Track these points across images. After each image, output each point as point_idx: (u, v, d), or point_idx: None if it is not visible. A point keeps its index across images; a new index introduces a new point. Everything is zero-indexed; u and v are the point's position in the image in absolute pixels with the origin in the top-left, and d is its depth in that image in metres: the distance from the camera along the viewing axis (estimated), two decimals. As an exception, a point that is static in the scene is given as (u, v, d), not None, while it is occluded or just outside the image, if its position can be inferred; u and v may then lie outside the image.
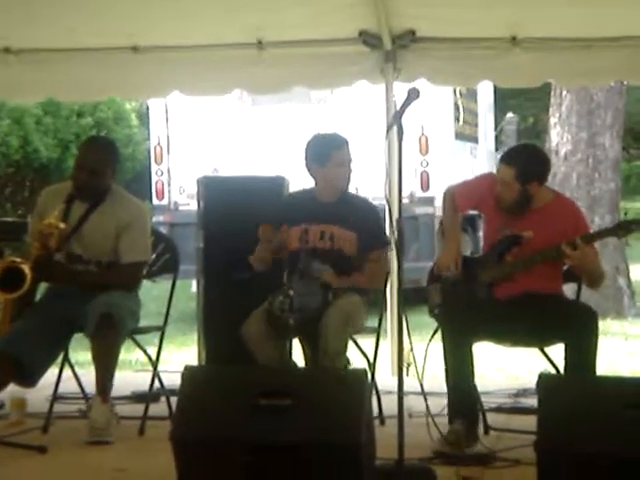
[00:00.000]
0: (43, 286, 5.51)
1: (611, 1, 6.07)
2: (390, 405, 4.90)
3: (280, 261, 5.54)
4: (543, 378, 4.19)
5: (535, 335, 5.05)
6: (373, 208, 5.59)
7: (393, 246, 4.59)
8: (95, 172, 5.35)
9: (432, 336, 5.07)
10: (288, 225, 5.45)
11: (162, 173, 11.42)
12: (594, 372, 4.84)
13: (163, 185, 11.41)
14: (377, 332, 5.58)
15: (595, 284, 5.19)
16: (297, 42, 6.85)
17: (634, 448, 3.86)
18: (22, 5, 6.40)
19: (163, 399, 5.63)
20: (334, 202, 5.47)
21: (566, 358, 4.85)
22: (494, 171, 5.42)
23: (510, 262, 5.11)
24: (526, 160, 5.08)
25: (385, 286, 5.93)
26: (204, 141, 11.09)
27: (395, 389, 4.45)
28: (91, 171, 5.34)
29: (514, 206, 5.09)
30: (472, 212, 5.71)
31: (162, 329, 5.66)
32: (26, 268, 5.19)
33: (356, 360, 5.41)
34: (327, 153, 5.41)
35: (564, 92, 11.16)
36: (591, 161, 11.13)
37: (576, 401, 4.01)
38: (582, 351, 4.82)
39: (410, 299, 5.68)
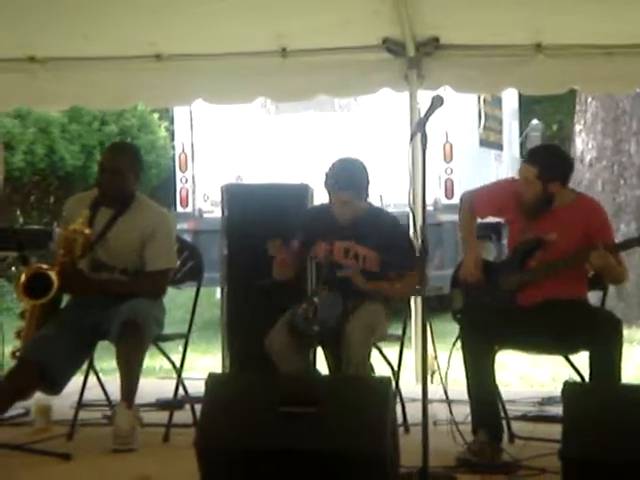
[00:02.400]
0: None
1: (635, 8, 6.04)
2: (415, 413, 4.90)
3: (303, 269, 5.54)
4: (568, 386, 4.17)
5: (559, 343, 5.02)
6: (401, 227, 5.54)
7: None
8: (118, 172, 5.37)
9: (456, 341, 5.04)
10: (308, 238, 5.45)
11: (186, 180, 11.44)
12: (619, 380, 4.80)
13: (187, 192, 11.43)
14: (401, 340, 5.57)
15: (616, 282, 5.25)
16: (321, 50, 6.86)
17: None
18: (46, 14, 6.44)
19: (187, 406, 5.64)
20: (359, 220, 5.45)
21: (591, 366, 4.82)
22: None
23: (533, 268, 5.09)
24: (548, 159, 5.07)
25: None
26: (228, 149, 11.11)
27: (419, 397, 4.45)
28: (113, 171, 5.37)
29: (535, 205, 5.06)
30: (494, 219, 5.68)
31: (186, 336, 5.67)
32: (53, 274, 5.21)
33: (380, 368, 5.40)
34: (330, 188, 5.40)
35: (589, 99, 11.13)
36: (616, 168, 11.09)
37: (601, 409, 4.00)
38: (607, 359, 4.79)
39: (434, 307, 5.68)
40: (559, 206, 5.08)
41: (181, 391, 5.65)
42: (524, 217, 5.14)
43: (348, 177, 5.38)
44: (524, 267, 5.12)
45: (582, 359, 4.99)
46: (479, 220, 5.43)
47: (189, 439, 4.28)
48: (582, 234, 4.98)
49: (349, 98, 10.26)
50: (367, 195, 5.45)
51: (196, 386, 5.35)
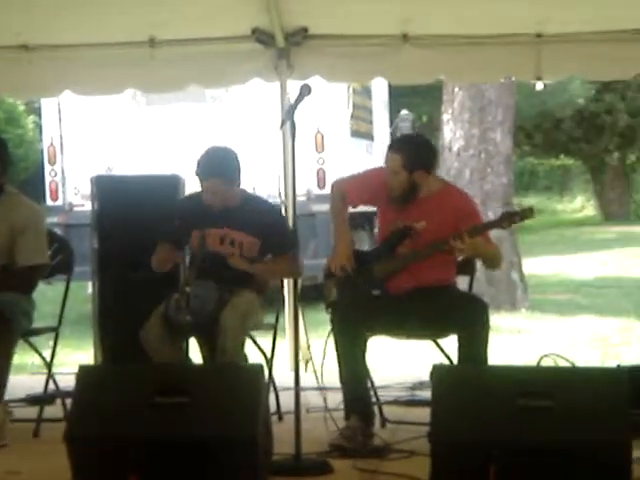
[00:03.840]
0: None
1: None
2: (288, 401, 4.93)
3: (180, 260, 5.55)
4: (436, 369, 4.24)
5: (428, 327, 5.12)
6: (277, 211, 5.57)
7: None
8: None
9: (330, 331, 5.10)
10: (183, 229, 5.45)
11: (56, 174, 11.26)
12: (486, 362, 4.92)
13: (57, 186, 11.25)
14: (274, 328, 5.60)
15: (492, 266, 5.34)
16: (190, 40, 6.82)
17: (526, 436, 3.94)
18: None
19: (58, 401, 5.57)
20: (234, 206, 5.45)
21: (459, 349, 4.94)
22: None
23: (401, 254, 5.17)
24: (412, 148, 5.15)
25: (282, 283, 5.95)
26: (98, 141, 10.97)
27: (292, 385, 4.49)
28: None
29: (402, 195, 5.14)
30: (368, 208, 5.75)
31: (56, 330, 5.60)
32: None
33: (254, 357, 5.42)
34: (199, 176, 5.39)
35: (456, 89, 11.33)
36: (483, 156, 11.32)
37: (468, 391, 4.08)
38: (474, 342, 4.91)
39: (308, 296, 5.72)
40: (427, 195, 5.17)
41: (52, 386, 5.57)
42: (393, 206, 5.21)
43: (216, 164, 5.38)
44: (394, 254, 5.19)
45: (453, 344, 5.09)
46: (352, 209, 5.49)
47: (60, 434, 4.22)
48: (451, 221, 5.07)
49: (220, 89, 10.24)
50: (239, 182, 5.45)
51: (68, 381, 5.27)
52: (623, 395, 4.00)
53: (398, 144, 5.30)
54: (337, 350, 4.99)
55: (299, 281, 5.74)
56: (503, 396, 4.02)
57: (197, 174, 5.39)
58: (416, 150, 5.15)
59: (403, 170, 5.10)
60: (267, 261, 5.45)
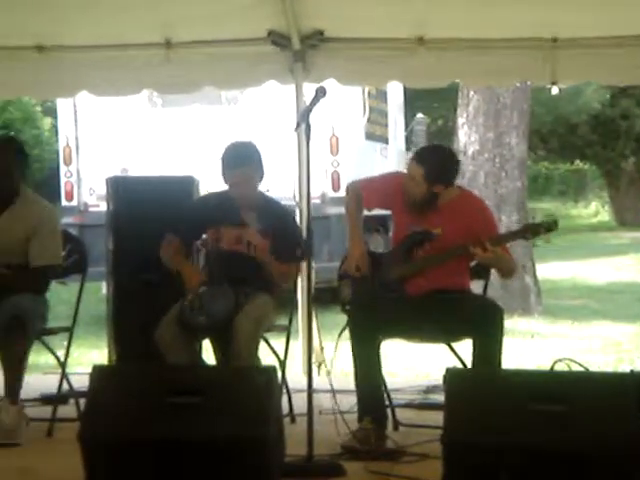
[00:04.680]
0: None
1: (513, 4, 6.18)
2: (301, 403, 4.93)
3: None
4: (449, 373, 4.25)
5: (442, 331, 5.12)
6: (290, 217, 5.57)
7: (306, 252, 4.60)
8: (3, 175, 5.30)
9: (341, 331, 5.11)
10: (196, 228, 5.46)
11: (71, 174, 11.29)
12: (500, 366, 4.91)
13: (72, 186, 11.27)
14: (288, 330, 5.60)
15: (507, 276, 5.34)
16: (206, 42, 6.84)
17: (539, 441, 3.93)
18: None
19: (72, 401, 5.59)
20: (252, 208, 5.46)
21: (473, 353, 4.93)
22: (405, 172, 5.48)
23: (419, 258, 5.17)
24: (436, 162, 5.14)
25: (295, 285, 5.96)
26: (114, 142, 10.99)
27: (306, 387, 4.50)
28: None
29: (420, 204, 5.15)
30: (383, 212, 5.75)
31: (70, 330, 5.62)
32: None
33: (267, 358, 5.43)
34: (224, 170, 5.42)
35: (471, 93, 11.32)
36: (498, 160, 11.31)
37: (481, 395, 4.08)
38: (488, 346, 4.90)
39: (322, 299, 5.73)
40: (443, 203, 5.17)
41: (66, 386, 5.59)
42: (408, 211, 5.22)
43: (245, 154, 5.44)
44: (410, 258, 5.20)
45: (467, 348, 5.09)
46: (367, 212, 5.49)
47: (73, 433, 4.24)
48: (466, 229, 5.08)
49: (235, 91, 10.26)
50: (263, 175, 5.47)
51: (82, 381, 5.28)
52: (636, 400, 3.99)
53: (423, 155, 5.25)
54: (352, 352, 5.00)
55: (313, 283, 5.74)
56: (516, 400, 4.02)
57: (226, 167, 5.39)
58: (440, 164, 5.14)
59: (424, 181, 5.10)
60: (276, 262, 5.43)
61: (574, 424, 3.93)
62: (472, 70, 6.80)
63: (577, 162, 29.84)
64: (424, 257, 5.17)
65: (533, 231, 5.17)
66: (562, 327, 10.14)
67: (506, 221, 10.77)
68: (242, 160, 5.39)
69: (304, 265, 6.02)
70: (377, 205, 5.51)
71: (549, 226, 5.12)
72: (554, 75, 6.68)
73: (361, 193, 5.39)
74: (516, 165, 11.40)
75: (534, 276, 11.42)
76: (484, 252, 4.95)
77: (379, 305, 5.12)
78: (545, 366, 6.03)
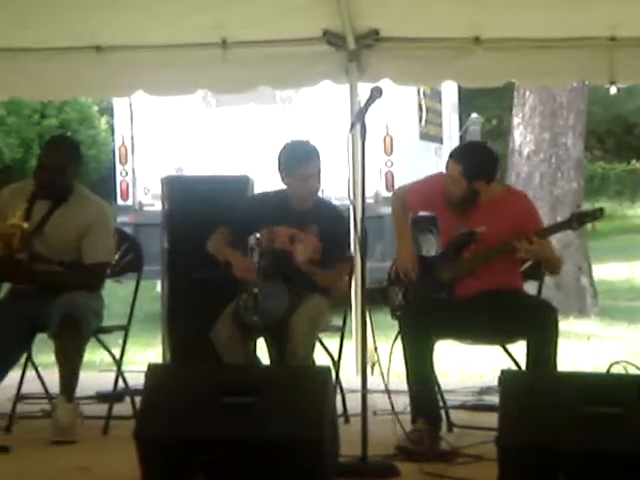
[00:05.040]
0: (5, 287, 5.49)
1: (571, 3, 6.13)
2: (355, 403, 4.93)
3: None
4: (504, 375, 4.22)
5: (495, 332, 5.09)
6: (343, 219, 5.54)
7: (357, 253, 4.59)
8: (57, 172, 5.33)
9: (397, 336, 5.09)
10: (250, 226, 5.47)
11: (127, 173, 11.38)
12: (555, 368, 4.87)
13: (128, 185, 11.36)
14: (342, 331, 5.60)
15: (554, 272, 5.30)
16: (261, 42, 6.86)
17: (593, 443, 3.90)
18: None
19: (127, 399, 5.63)
20: (306, 208, 5.46)
21: (528, 355, 4.89)
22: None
23: (467, 258, 5.14)
24: (473, 158, 5.11)
25: (350, 286, 5.95)
26: (169, 141, 11.07)
27: (360, 387, 4.49)
28: (53, 171, 5.33)
29: (461, 202, 5.12)
30: (425, 213, 5.73)
31: (126, 328, 5.65)
32: (-11, 269, 5.18)
33: (321, 359, 5.43)
34: (291, 167, 5.39)
35: (527, 93, 11.24)
36: (554, 161, 11.21)
37: (536, 397, 4.05)
38: (543, 347, 4.85)
39: (375, 299, 5.71)
40: (487, 200, 5.13)
41: (121, 383, 5.62)
42: (452, 212, 5.19)
43: (310, 150, 5.45)
44: (458, 259, 5.17)
45: (521, 349, 5.05)
46: (419, 213, 5.47)
47: (129, 431, 4.26)
48: (511, 225, 5.04)
49: (290, 90, 10.27)
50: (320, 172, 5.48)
51: (137, 379, 5.32)
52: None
53: (459, 153, 5.25)
54: (405, 354, 4.98)
55: (367, 283, 5.73)
56: (572, 403, 3.98)
57: (293, 162, 5.38)
58: (477, 161, 5.11)
59: (462, 179, 5.07)
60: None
61: (630, 426, 3.89)
62: (529, 70, 6.75)
63: (634, 162, 29.48)
64: (469, 258, 5.14)
65: (579, 220, 5.11)
66: (618, 329, 10.02)
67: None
68: (312, 154, 5.41)
69: (358, 265, 6.04)
70: (420, 208, 5.50)
71: (595, 214, 5.07)
72: (612, 75, 6.61)
73: (405, 197, 5.38)
74: (572, 166, 11.30)
75: (590, 277, 11.31)
76: (530, 244, 4.91)
77: (431, 307, 5.09)
78: (601, 369, 5.97)
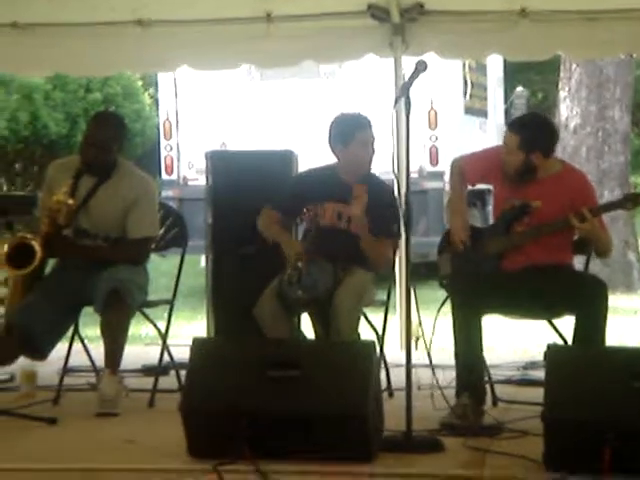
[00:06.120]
0: (52, 260, 5.53)
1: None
2: (399, 378, 4.91)
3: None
4: (551, 349, 4.21)
5: (543, 307, 5.05)
6: (392, 196, 5.52)
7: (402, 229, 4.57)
8: (103, 148, 5.35)
9: (441, 306, 5.07)
10: (299, 202, 5.46)
11: (171, 148, 11.43)
12: (603, 343, 4.82)
13: (172, 160, 11.42)
14: (386, 306, 5.59)
15: (604, 254, 5.23)
16: (305, 16, 6.83)
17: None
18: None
19: (172, 372, 5.66)
20: (356, 182, 5.43)
21: (575, 329, 4.85)
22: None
23: (518, 232, 5.10)
24: (532, 129, 5.06)
25: (394, 260, 5.93)
26: (213, 116, 11.09)
27: (404, 362, 4.48)
28: (99, 147, 5.34)
29: (517, 174, 5.07)
30: (481, 186, 5.69)
31: (171, 302, 5.68)
32: (36, 245, 5.21)
33: (366, 334, 5.42)
34: (351, 133, 5.37)
35: (574, 66, 11.14)
36: (600, 134, 11.12)
37: (583, 372, 4.03)
38: (591, 322, 4.81)
39: (419, 273, 5.70)
40: (545, 176, 5.09)
41: (166, 357, 5.66)
42: (508, 184, 5.15)
43: (363, 117, 5.44)
44: (510, 231, 5.14)
45: (568, 324, 5.01)
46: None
47: (174, 404, 4.30)
48: (567, 204, 4.99)
49: (334, 64, 10.24)
50: None
51: (181, 352, 5.37)
52: None
53: (518, 124, 5.21)
54: (453, 326, 4.95)
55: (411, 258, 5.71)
56: (618, 378, 3.96)
57: (353, 130, 5.37)
58: (535, 132, 5.05)
59: (520, 151, 5.02)
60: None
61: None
62: (576, 42, 6.67)
63: (681, 136, 29.13)
64: (522, 232, 5.10)
65: (634, 201, 5.07)
66: (665, 304, 9.95)
67: (608, 196, 10.56)
68: (369, 121, 5.42)
69: (403, 240, 6.02)
70: (479, 180, 5.46)
71: None
72: (662, 47, 6.53)
73: (464, 167, 5.34)
74: (619, 139, 11.20)
75: (637, 252, 11.22)
76: (582, 222, 4.87)
77: (480, 281, 5.06)
78: (648, 344, 5.93)
